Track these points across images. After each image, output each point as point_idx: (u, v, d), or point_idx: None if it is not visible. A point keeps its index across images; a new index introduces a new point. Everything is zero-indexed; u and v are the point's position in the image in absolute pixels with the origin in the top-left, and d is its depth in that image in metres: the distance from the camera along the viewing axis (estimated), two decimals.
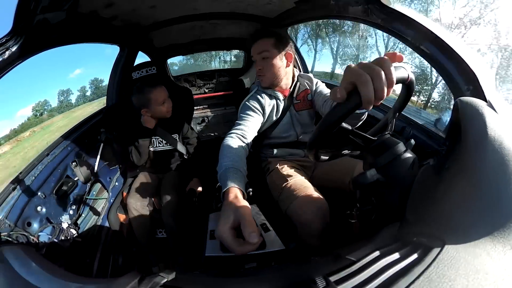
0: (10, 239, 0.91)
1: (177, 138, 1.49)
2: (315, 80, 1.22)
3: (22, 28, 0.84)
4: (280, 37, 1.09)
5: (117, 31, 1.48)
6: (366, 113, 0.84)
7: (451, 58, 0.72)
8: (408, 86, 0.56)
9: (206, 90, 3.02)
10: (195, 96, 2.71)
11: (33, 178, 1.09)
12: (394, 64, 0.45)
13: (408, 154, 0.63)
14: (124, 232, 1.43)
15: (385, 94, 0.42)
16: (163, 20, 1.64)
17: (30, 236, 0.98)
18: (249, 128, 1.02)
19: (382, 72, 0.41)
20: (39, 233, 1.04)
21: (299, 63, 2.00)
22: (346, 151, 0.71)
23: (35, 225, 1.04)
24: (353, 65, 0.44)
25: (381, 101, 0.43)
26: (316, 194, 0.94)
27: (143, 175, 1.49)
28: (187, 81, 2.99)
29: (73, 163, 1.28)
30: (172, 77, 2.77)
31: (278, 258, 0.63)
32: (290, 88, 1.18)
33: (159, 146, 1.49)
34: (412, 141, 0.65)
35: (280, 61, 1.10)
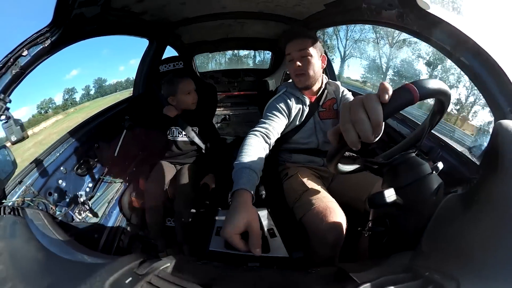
0: (32, 204, 1.02)
1: (196, 131, 1.52)
2: (341, 89, 1.18)
3: (61, 21, 0.94)
4: (316, 38, 1.08)
5: (147, 25, 1.55)
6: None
7: (494, 74, 0.64)
8: (440, 101, 0.50)
9: (230, 89, 3.04)
10: (219, 94, 2.75)
11: (58, 154, 1.21)
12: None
13: (434, 178, 0.57)
14: (133, 215, 1.50)
15: (371, 136, 0.42)
16: (192, 17, 1.69)
17: (50, 205, 1.09)
18: (273, 128, 1.00)
19: (364, 117, 0.41)
20: (57, 203, 1.15)
21: (327, 70, 1.94)
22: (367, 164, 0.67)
23: (55, 196, 1.16)
24: (347, 104, 0.45)
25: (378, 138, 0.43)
26: (335, 205, 0.90)
27: (162, 163, 1.54)
28: (212, 78, 3.04)
29: (96, 145, 1.37)
30: (198, 73, 2.84)
31: (281, 264, 0.61)
32: (317, 94, 1.15)
33: (178, 137, 1.53)
34: (440, 164, 0.59)
35: (318, 61, 1.08)
